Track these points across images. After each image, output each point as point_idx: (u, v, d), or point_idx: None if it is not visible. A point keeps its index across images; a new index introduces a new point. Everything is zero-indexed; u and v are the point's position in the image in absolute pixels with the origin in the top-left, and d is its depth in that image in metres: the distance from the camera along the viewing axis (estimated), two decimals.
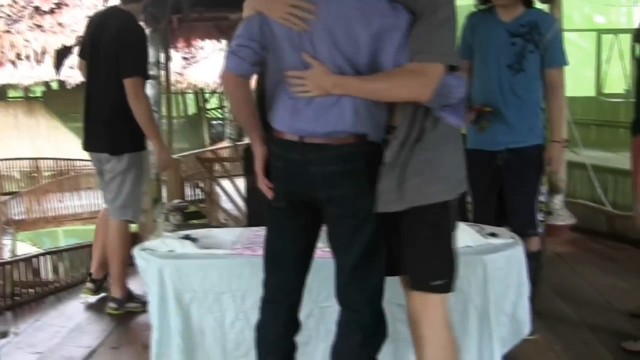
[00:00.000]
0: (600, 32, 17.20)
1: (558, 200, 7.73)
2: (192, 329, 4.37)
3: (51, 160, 20.05)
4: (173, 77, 21.62)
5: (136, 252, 4.52)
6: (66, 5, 18.14)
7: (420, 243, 3.35)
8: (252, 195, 6.07)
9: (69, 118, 24.42)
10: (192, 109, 31.01)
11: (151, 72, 9.34)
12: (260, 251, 4.26)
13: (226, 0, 10.41)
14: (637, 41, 5.17)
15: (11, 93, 25.97)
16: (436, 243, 3.35)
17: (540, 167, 5.03)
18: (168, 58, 11.59)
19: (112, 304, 6.05)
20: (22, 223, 16.80)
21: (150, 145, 6.15)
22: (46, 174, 19.64)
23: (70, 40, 17.55)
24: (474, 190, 4.73)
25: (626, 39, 16.09)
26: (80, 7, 17.67)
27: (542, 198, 5.25)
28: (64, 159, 20.10)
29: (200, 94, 28.22)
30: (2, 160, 19.90)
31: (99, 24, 5.90)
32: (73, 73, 19.59)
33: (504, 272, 4.26)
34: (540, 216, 5.17)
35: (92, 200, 17.01)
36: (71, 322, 5.94)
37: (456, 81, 3.14)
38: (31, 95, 26.25)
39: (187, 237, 4.70)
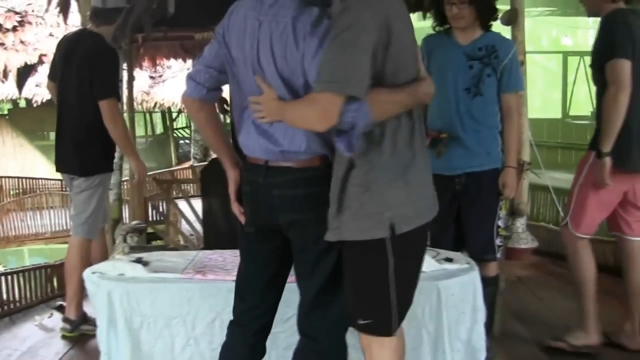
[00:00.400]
0: (566, 54, 17.27)
1: (520, 224, 7.67)
2: (142, 354, 4.29)
3: (15, 179, 19.83)
4: (140, 96, 21.69)
5: (85, 275, 4.46)
6: (29, 23, 18.04)
7: (347, 278, 3.21)
8: (209, 217, 6.01)
9: (35, 136, 24.32)
10: (159, 128, 30.94)
11: None
12: (211, 275, 4.25)
13: (190, 20, 10.36)
14: (591, 66, 5.14)
15: None
16: (362, 282, 3.16)
17: (498, 191, 4.97)
18: (131, 77, 11.48)
19: (66, 325, 5.93)
20: None
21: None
22: (12, 192, 19.48)
23: (32, 58, 17.44)
24: None
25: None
26: (44, 25, 17.58)
27: (500, 222, 5.20)
28: (28, 178, 19.91)
29: (167, 113, 28.15)
30: None
31: (69, 46, 5.91)
32: (39, 91, 19.50)
33: (458, 298, 4.21)
34: (498, 241, 5.10)
35: (54, 219, 16.88)
36: (24, 345, 5.83)
37: (352, 106, 2.83)
38: None
39: (138, 261, 4.64)
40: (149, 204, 9.36)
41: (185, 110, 3.39)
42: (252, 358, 3.60)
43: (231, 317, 3.82)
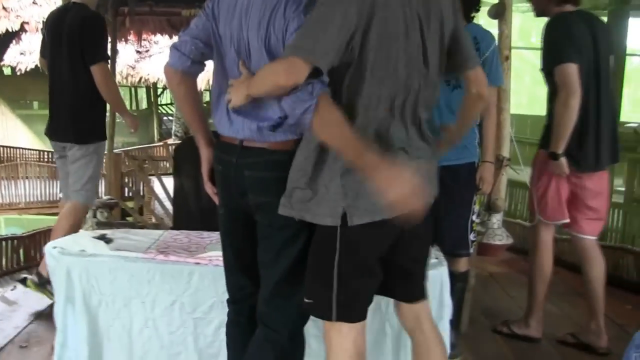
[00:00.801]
0: None
1: (496, 220, 7.57)
2: (99, 334, 4.25)
3: None
4: (125, 70, 21.50)
5: (46, 249, 4.38)
6: None
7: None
8: (179, 196, 5.92)
9: (18, 105, 24.13)
10: (144, 104, 30.77)
11: None
12: (172, 257, 4.19)
13: None
14: (541, 70, 5.10)
15: None
16: (312, 262, 3.12)
17: (473, 185, 4.88)
18: (115, 51, 11.34)
19: (34, 278, 5.91)
20: None
21: None
22: None
23: (14, 25, 17.27)
24: None
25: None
26: None
27: (475, 217, 5.11)
28: (4, 146, 19.73)
29: (152, 89, 27.95)
30: None
31: (57, 19, 6.00)
32: (23, 59, 19.31)
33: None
34: (472, 236, 5.01)
35: (29, 190, 16.72)
36: None
37: (310, 87, 2.78)
38: None
39: (102, 237, 4.59)
40: (125, 180, 9.30)
41: (166, 82, 3.32)
42: (251, 331, 3.48)
43: (189, 300, 4.00)
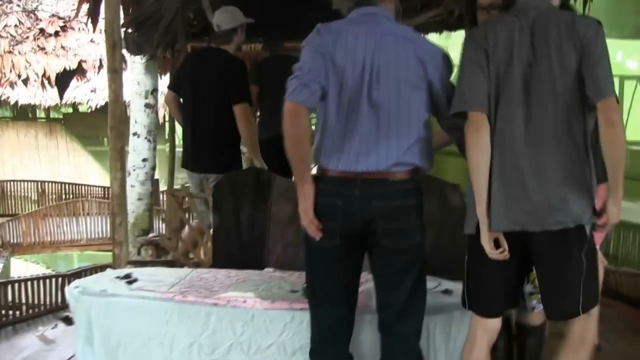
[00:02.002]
0: (623, 78, 16.84)
1: None
2: None
3: (58, 184, 19.89)
4: None
5: (68, 289, 4.29)
6: (72, 28, 18.05)
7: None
8: (219, 233, 5.80)
9: (89, 141, 24.42)
10: None
11: (147, 101, 9.23)
12: (191, 297, 4.05)
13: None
14: None
15: (32, 114, 26.08)
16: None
17: None
18: None
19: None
20: (18, 246, 16.62)
21: None
22: (53, 197, 19.57)
23: (72, 64, 17.46)
24: None
25: None
26: (86, 31, 17.56)
27: None
28: (70, 183, 19.97)
29: None
30: (10, 181, 19.89)
31: (200, 61, 6.50)
32: (94, 96, 19.54)
33: (448, 335, 3.93)
34: (530, 287, 4.13)
35: (90, 227, 16.85)
36: (19, 356, 5.69)
37: None
38: (53, 116, 26.30)
39: (126, 277, 4.47)
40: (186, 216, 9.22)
41: (286, 121, 3.23)
42: None
43: (207, 342, 3.93)
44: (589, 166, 3.34)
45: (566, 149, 3.29)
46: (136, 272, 4.71)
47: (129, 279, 4.46)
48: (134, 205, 9.64)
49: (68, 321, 5.93)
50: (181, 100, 6.64)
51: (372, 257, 3.52)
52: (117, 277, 4.48)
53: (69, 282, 7.41)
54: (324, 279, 3.54)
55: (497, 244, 3.38)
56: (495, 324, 3.60)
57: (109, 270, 4.94)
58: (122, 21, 7.49)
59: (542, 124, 3.30)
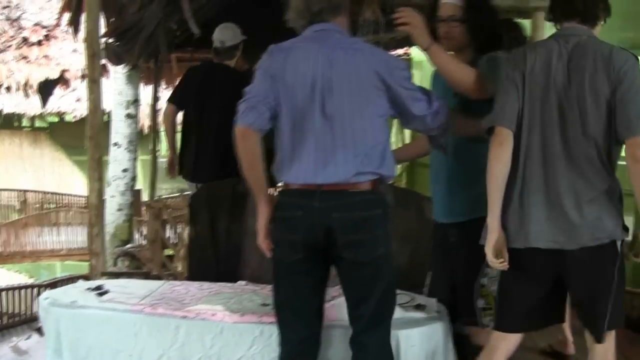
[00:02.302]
0: None
1: None
2: None
3: (39, 194, 19.82)
4: (179, 116, 21.50)
5: (39, 300, 4.27)
6: (55, 37, 17.99)
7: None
8: (195, 245, 5.78)
9: (74, 151, 24.30)
10: None
11: (128, 111, 9.21)
12: (160, 309, 4.03)
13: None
14: None
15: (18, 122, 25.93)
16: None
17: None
18: (156, 98, 11.37)
19: None
20: None
21: None
22: (36, 206, 19.49)
23: (54, 73, 17.41)
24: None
25: None
26: (69, 41, 17.49)
27: (485, 280, 4.12)
28: (53, 193, 19.89)
29: None
30: None
31: (205, 77, 6.85)
32: (79, 106, 19.47)
33: (421, 350, 3.88)
34: (481, 303, 4.09)
35: (71, 236, 16.77)
36: None
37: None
38: (38, 125, 26.17)
39: (98, 288, 4.44)
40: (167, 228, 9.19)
41: (238, 143, 3.35)
42: None
43: (176, 355, 3.88)
44: (615, 186, 3.48)
45: (596, 170, 3.44)
46: (108, 283, 4.69)
47: (100, 291, 4.43)
48: (114, 215, 9.60)
49: (42, 332, 5.87)
50: (179, 113, 7.00)
51: (338, 270, 3.52)
52: (88, 289, 4.45)
53: (45, 292, 7.39)
54: (289, 294, 3.53)
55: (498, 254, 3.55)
56: (518, 337, 3.73)
57: (80, 281, 4.91)
58: (103, 31, 7.48)
59: (576, 147, 3.43)
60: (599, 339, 3.53)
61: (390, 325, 3.57)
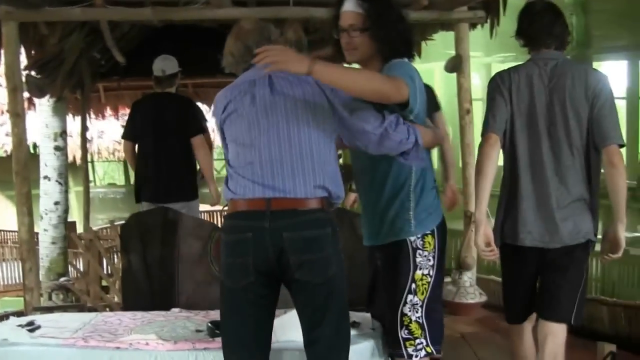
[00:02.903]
0: None
1: (467, 277, 7.40)
2: None
3: None
4: (112, 146, 21.38)
5: None
6: None
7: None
8: (127, 275, 5.74)
9: (6, 185, 24.01)
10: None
11: (56, 143, 9.13)
12: (93, 342, 4.00)
13: (142, 69, 10.24)
14: None
15: None
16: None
17: (406, 267, 3.87)
18: (84, 127, 11.28)
19: None
20: None
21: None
22: None
23: None
24: None
25: None
26: None
27: (407, 310, 3.85)
28: None
29: None
30: None
31: (151, 107, 7.35)
32: (8, 140, 19.25)
33: None
34: (404, 332, 3.86)
35: (6, 272, 16.55)
36: None
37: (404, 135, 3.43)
38: None
39: (29, 324, 4.39)
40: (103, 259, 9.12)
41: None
42: None
43: None
44: (592, 193, 4.14)
45: (578, 179, 4.09)
46: (40, 318, 4.64)
47: (31, 327, 4.38)
48: (48, 249, 9.46)
49: None
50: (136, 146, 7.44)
51: (292, 293, 3.49)
52: (20, 325, 4.39)
53: None
54: (236, 323, 3.48)
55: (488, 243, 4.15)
56: (527, 322, 4.41)
57: (11, 318, 4.85)
58: (24, 64, 7.42)
59: (560, 157, 4.09)
60: (566, 321, 4.16)
61: (349, 347, 3.53)
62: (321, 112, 3.45)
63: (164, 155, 7.15)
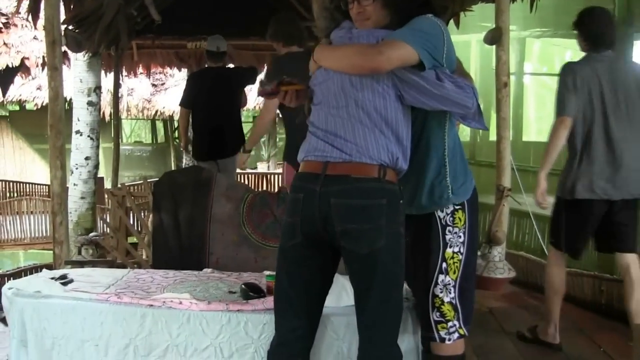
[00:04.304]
0: None
1: (497, 252, 7.35)
2: None
3: (1, 182, 19.54)
4: (141, 104, 21.39)
5: (3, 290, 4.20)
6: (14, 25, 17.74)
7: None
8: (158, 233, 5.73)
9: (35, 139, 24.09)
10: (161, 137, 30.60)
11: (89, 99, 9.15)
12: (126, 298, 4.00)
13: (179, 29, 10.25)
14: None
15: None
16: None
17: (438, 242, 3.79)
18: (117, 84, 11.30)
19: None
20: None
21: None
22: None
23: (14, 61, 17.19)
24: None
25: None
26: (29, 28, 17.27)
27: (439, 291, 3.75)
28: (14, 182, 19.63)
29: (169, 122, 27.80)
30: None
31: (210, 79, 8.60)
32: (39, 94, 19.29)
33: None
34: (436, 315, 3.77)
35: (34, 225, 16.58)
36: None
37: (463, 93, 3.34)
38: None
39: (62, 278, 4.41)
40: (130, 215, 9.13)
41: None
42: None
43: (142, 344, 3.84)
44: None
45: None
46: (72, 272, 4.65)
47: (64, 280, 4.40)
48: (77, 204, 9.50)
49: (6, 322, 5.79)
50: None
51: (343, 260, 3.46)
52: (52, 278, 4.42)
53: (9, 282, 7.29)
54: (285, 279, 3.47)
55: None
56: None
57: (44, 270, 4.86)
58: (63, 18, 7.41)
59: (625, 129, 5.35)
60: (636, 250, 5.48)
61: (399, 321, 3.47)
62: (385, 77, 3.33)
63: (216, 118, 8.44)
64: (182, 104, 8.85)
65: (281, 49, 6.52)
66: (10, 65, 17.21)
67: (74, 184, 9.61)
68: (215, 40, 8.51)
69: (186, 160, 21.15)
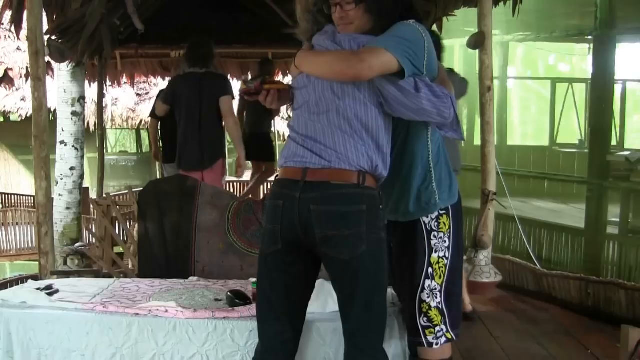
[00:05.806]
0: (555, 80, 16.98)
1: (483, 256, 7.35)
2: None
3: None
4: (126, 113, 21.37)
5: None
6: None
7: None
8: (144, 242, 5.72)
9: (20, 150, 24.05)
10: (146, 146, 30.60)
11: (73, 109, 9.13)
12: (112, 307, 3.99)
13: (162, 37, 10.24)
14: None
15: None
16: None
17: (423, 247, 3.81)
18: (101, 94, 11.27)
19: None
20: None
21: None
22: None
23: None
24: None
25: (581, 88, 16.03)
26: (12, 39, 17.27)
27: (426, 297, 3.78)
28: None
29: None
30: None
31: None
32: (24, 105, 19.27)
33: None
34: (423, 320, 3.79)
35: (20, 236, 16.56)
36: None
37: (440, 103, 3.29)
38: None
39: (47, 288, 4.40)
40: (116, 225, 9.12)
41: None
42: None
43: (129, 353, 3.83)
44: None
45: None
46: (58, 283, 4.65)
47: (50, 290, 4.40)
48: (62, 214, 9.47)
49: None
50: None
51: (324, 266, 3.45)
52: (38, 289, 4.40)
53: None
54: (266, 286, 3.45)
55: None
56: None
57: (30, 281, 4.84)
58: (46, 28, 7.39)
59: None
60: None
61: (384, 327, 3.44)
62: (366, 84, 3.33)
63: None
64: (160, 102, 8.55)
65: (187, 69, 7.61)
66: None
67: (59, 195, 9.56)
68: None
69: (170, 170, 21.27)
